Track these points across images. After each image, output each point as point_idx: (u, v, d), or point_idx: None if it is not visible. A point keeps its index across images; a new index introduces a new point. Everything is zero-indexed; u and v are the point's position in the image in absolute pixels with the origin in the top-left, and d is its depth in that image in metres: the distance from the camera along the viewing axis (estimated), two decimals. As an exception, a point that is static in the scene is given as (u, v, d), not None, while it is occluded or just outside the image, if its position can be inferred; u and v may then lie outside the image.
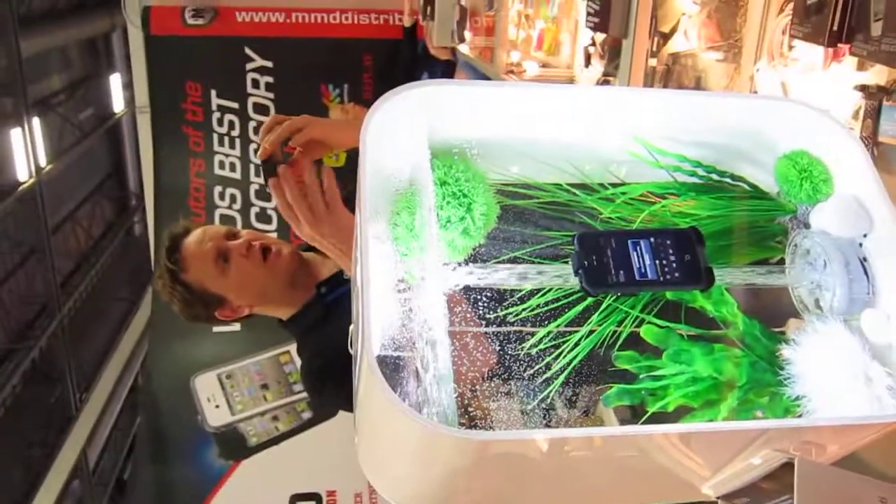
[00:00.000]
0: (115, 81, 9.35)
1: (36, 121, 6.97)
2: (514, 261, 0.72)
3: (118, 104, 9.45)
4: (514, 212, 0.76)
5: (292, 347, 3.47)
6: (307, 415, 3.78)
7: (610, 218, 0.77)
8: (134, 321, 8.56)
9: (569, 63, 2.41)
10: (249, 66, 4.14)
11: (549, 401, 0.78)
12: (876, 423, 0.62)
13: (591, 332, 0.73)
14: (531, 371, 0.74)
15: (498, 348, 0.77)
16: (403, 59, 4.01)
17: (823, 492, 0.55)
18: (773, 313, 0.78)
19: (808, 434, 0.60)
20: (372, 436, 0.64)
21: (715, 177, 0.80)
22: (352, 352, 0.66)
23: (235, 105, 4.14)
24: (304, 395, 3.71)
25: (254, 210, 4.14)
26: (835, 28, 1.03)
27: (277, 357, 3.82)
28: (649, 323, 0.73)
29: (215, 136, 4.15)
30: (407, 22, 3.91)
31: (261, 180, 4.05)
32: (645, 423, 0.68)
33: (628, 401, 0.71)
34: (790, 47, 1.26)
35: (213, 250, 1.47)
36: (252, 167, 4.13)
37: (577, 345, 0.73)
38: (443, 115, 0.71)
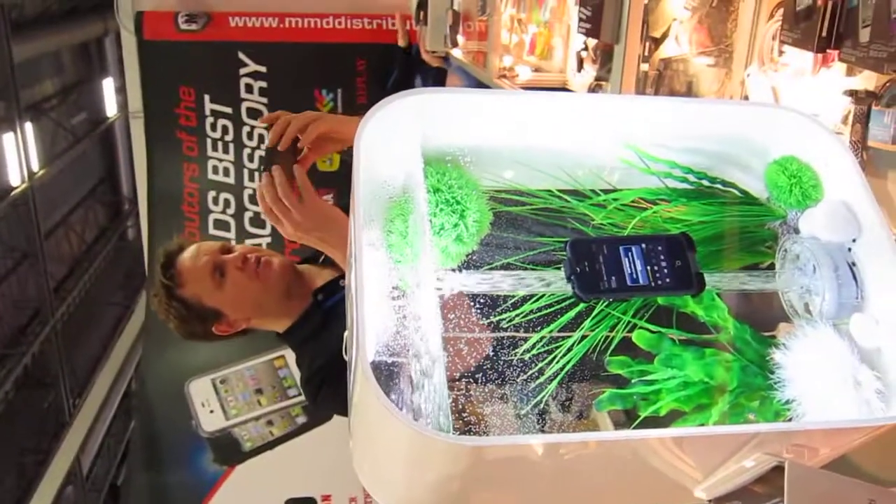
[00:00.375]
0: (108, 86, 9.34)
1: (28, 126, 6.95)
2: (507, 267, 0.72)
3: (111, 109, 9.43)
4: (507, 218, 0.77)
5: (287, 352, 3.46)
6: (302, 419, 3.77)
7: (602, 224, 0.78)
8: (127, 326, 8.54)
9: (561, 67, 2.42)
10: (243, 70, 4.13)
11: (542, 405, 0.79)
12: (865, 427, 0.63)
13: (584, 337, 0.74)
14: (525, 376, 0.75)
15: (491, 353, 0.77)
16: (397, 63, 4.01)
17: (814, 494, 0.55)
18: (763, 318, 0.79)
19: (798, 437, 0.60)
20: (366, 441, 0.64)
21: (706, 183, 0.81)
22: (346, 358, 0.66)
23: (229, 110, 4.13)
24: (299, 399, 3.70)
25: (247, 215, 4.12)
26: (824, 34, 1.04)
27: (272, 362, 3.81)
28: (641, 328, 0.73)
29: (209, 141, 4.14)
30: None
31: (254, 185, 4.04)
32: (637, 427, 0.68)
33: (621, 405, 0.72)
34: (780, 53, 1.27)
35: (209, 264, 1.48)
36: (246, 172, 4.12)
37: (569, 350, 0.74)
38: (436, 123, 0.72)
